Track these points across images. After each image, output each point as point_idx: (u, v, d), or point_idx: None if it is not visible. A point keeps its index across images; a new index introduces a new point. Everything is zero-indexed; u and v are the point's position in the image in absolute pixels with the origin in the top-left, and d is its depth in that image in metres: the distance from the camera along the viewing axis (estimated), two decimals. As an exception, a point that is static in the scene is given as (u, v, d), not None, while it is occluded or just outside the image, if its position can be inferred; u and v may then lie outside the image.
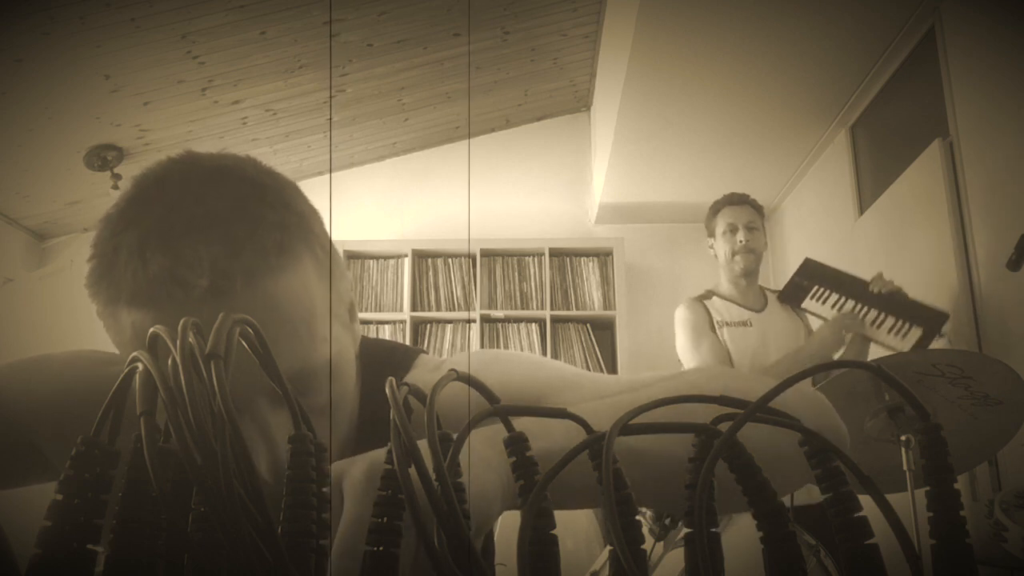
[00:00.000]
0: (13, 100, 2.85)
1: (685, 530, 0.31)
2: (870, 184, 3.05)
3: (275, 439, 0.61)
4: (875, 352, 2.38)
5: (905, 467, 1.64)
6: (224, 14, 2.73)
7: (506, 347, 3.66)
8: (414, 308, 3.72)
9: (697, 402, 0.39)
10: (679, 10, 2.48)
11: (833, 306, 2.50)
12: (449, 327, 3.74)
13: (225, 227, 0.59)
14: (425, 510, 0.31)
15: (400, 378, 0.41)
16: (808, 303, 2.58)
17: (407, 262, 3.76)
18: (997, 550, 1.63)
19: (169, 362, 0.30)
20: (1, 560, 0.33)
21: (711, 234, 2.67)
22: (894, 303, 2.35)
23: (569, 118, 4.16)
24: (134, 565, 0.30)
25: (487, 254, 3.80)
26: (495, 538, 0.82)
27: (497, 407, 0.39)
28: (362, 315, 3.65)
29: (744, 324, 2.53)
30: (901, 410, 1.67)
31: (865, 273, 2.47)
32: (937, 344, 2.24)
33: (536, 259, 3.80)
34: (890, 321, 2.35)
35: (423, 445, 0.33)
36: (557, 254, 3.81)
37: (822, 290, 2.56)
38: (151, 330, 0.33)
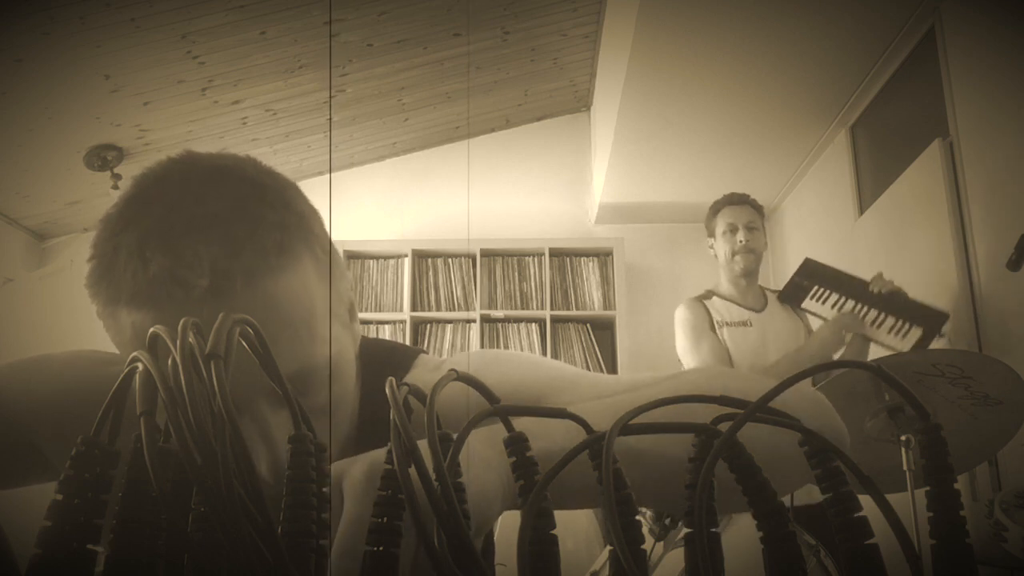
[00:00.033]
0: (13, 100, 2.85)
1: (685, 530, 0.31)
2: (870, 184, 3.05)
3: (275, 439, 0.61)
4: (875, 352, 2.38)
5: (905, 467, 1.64)
6: (224, 14, 2.73)
7: (506, 347, 3.66)
8: (414, 308, 3.72)
9: (697, 402, 0.39)
10: (679, 10, 2.48)
11: (833, 306, 2.50)
12: (449, 327, 3.74)
13: (225, 227, 0.59)
14: (425, 510, 0.31)
15: (400, 378, 0.41)
16: (808, 303, 2.58)
17: (407, 262, 3.75)
18: (997, 550, 1.62)
19: (169, 362, 0.30)
20: (1, 560, 0.33)
21: (711, 234, 2.67)
22: (894, 303, 2.35)
23: (569, 118, 4.16)
24: (134, 565, 0.30)
25: (487, 254, 3.80)
26: (495, 538, 0.82)
27: (497, 407, 0.39)
28: (362, 315, 3.65)
29: (744, 324, 2.53)
30: (901, 410, 1.67)
31: (865, 273, 2.47)
32: (937, 344, 2.24)
33: (536, 259, 3.80)
34: (890, 321, 2.35)
35: (423, 445, 0.33)
36: (557, 254, 3.81)
37: (822, 290, 2.56)
38: (151, 330, 0.33)
